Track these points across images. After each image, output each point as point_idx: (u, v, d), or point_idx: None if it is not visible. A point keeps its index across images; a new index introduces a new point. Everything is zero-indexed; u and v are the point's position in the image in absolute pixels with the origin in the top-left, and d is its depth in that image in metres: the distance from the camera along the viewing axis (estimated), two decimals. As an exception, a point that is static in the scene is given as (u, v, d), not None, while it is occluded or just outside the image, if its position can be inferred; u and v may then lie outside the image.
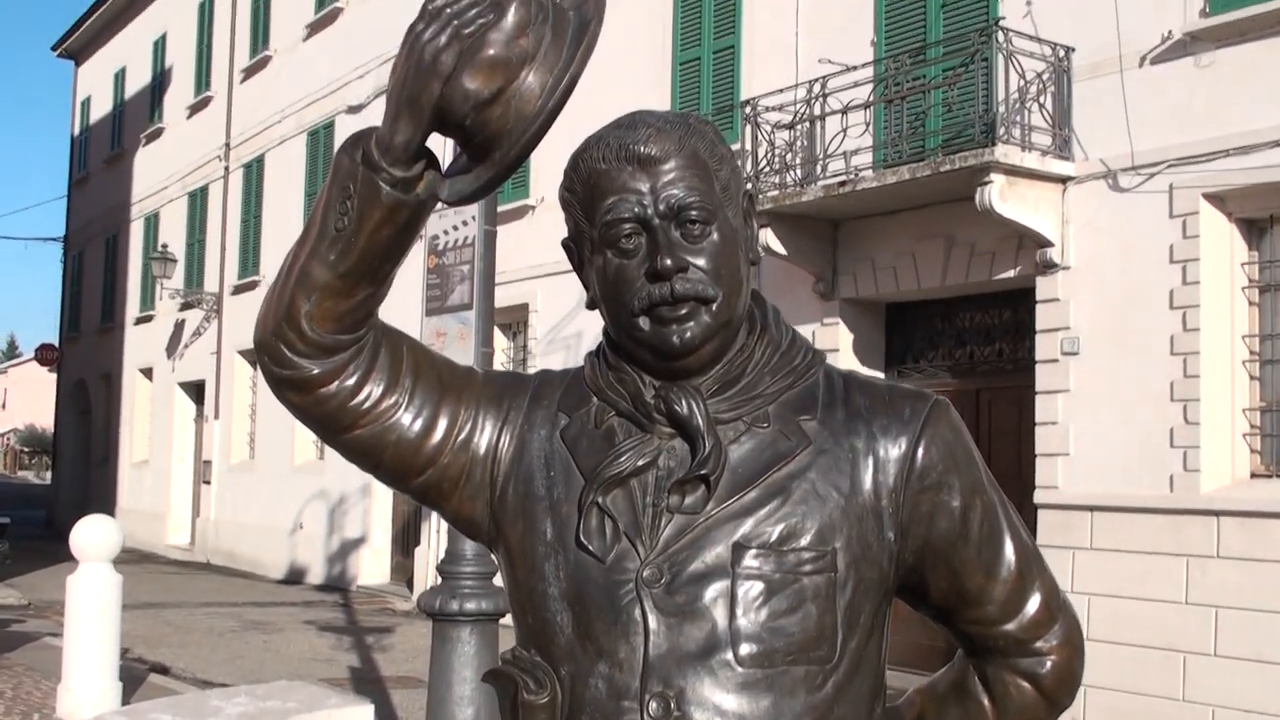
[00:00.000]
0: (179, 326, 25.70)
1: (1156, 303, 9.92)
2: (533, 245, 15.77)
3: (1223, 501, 9.45)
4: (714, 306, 1.45)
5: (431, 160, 1.46)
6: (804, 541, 1.42)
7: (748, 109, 12.23)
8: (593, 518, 1.45)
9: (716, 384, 1.48)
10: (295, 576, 20.47)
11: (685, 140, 1.46)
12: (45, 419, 53.96)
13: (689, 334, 1.44)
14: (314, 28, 21.69)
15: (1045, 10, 10.85)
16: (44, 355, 34.51)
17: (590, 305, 1.54)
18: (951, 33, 11.37)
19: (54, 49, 33.70)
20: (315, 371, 1.46)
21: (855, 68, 11.57)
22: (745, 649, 1.38)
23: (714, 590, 1.40)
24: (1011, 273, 11.03)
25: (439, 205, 1.50)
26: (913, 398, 1.52)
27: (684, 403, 1.44)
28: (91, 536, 7.46)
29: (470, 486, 1.53)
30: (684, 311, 1.43)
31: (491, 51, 1.38)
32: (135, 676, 9.67)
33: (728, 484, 1.43)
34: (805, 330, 12.68)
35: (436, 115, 1.40)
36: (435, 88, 1.37)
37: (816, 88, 11.79)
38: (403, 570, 18.53)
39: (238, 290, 23.73)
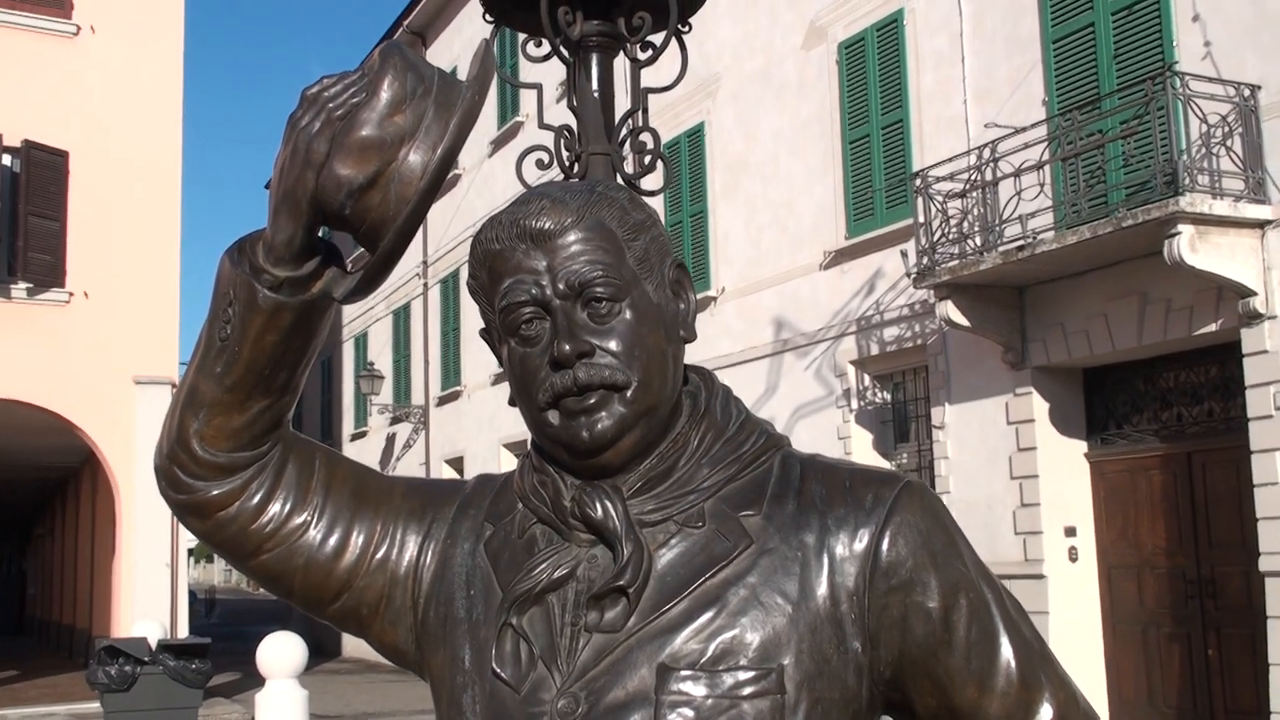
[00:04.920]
0: (390, 440, 26.49)
1: (1377, 347, 9.14)
2: (716, 336, 15.69)
3: None
4: (628, 393, 1.27)
5: (331, 256, 1.34)
6: (743, 659, 1.21)
7: (918, 181, 11.93)
8: (507, 641, 1.28)
9: (642, 480, 1.29)
10: (510, 682, 20.54)
11: (586, 210, 1.30)
12: (280, 537, 56.09)
13: (600, 426, 1.26)
14: (497, 143, 22.34)
15: (1225, 49, 10.29)
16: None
17: (512, 401, 1.39)
18: (1125, 82, 10.89)
19: (266, 187, 35.73)
20: (214, 493, 1.35)
21: (1025, 129, 11.19)
22: None
23: None
24: (1213, 326, 10.36)
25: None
26: (877, 482, 1.30)
27: (598, 505, 1.27)
28: (276, 653, 7.58)
29: (391, 611, 1.38)
30: (592, 401, 1.26)
31: (363, 132, 1.26)
32: (336, 791, 9.74)
33: (653, 596, 1.24)
34: (997, 402, 12.18)
35: (315, 208, 1.28)
36: (309, 178, 1.25)
37: (987, 153, 11.43)
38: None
39: (442, 401, 24.38)
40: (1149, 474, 11.51)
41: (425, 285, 25.30)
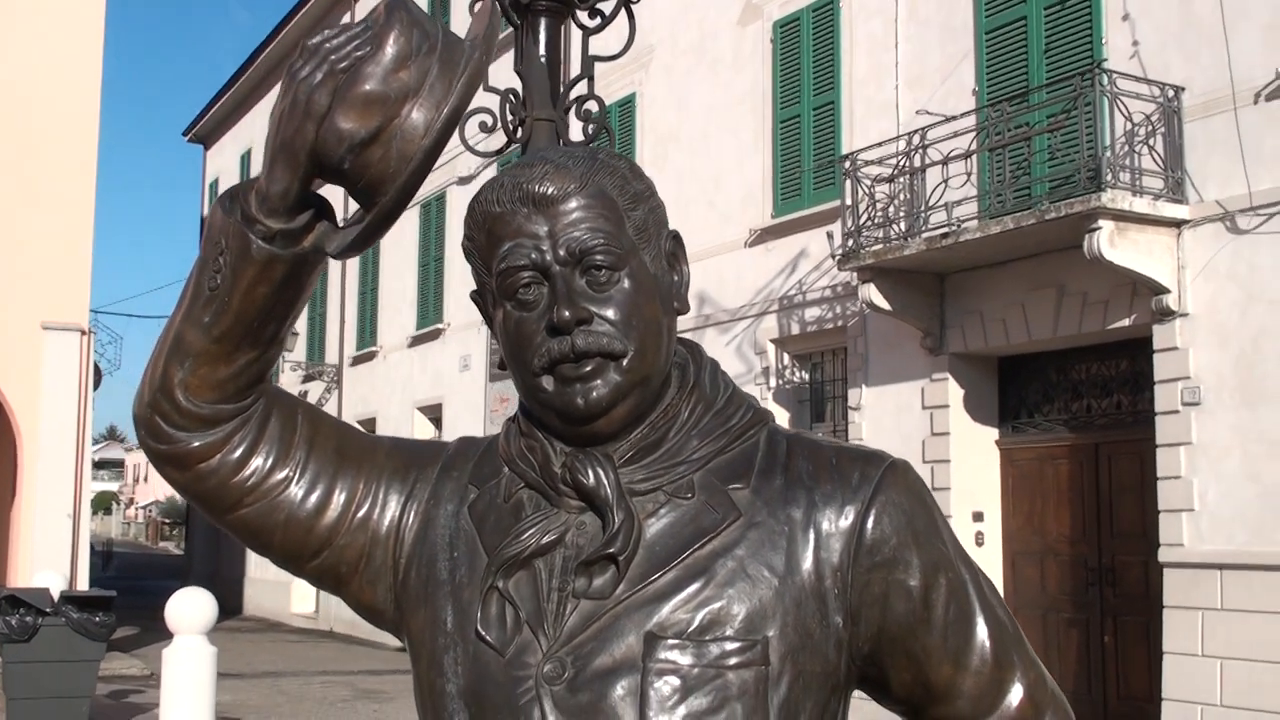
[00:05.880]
0: (302, 398, 26.16)
1: (1282, 348, 9.42)
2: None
3: (1363, 558, 8.87)
4: (624, 362, 1.27)
5: (323, 210, 1.32)
6: (729, 629, 1.23)
7: (847, 164, 12.03)
8: (492, 605, 1.28)
9: (633, 449, 1.30)
10: (414, 645, 20.49)
11: (589, 177, 1.30)
12: (183, 491, 55.32)
13: (595, 394, 1.27)
14: (425, 102, 22.08)
15: (1152, 50, 10.50)
16: (177, 429, 35.33)
17: (501, 365, 1.38)
18: (1054, 77, 11.07)
19: (184, 134, 34.96)
20: (195, 444, 1.33)
21: (955, 117, 11.33)
22: None
23: (622, 687, 1.22)
24: (1127, 321, 10.60)
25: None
26: (863, 460, 1.32)
27: (590, 472, 1.27)
28: (185, 609, 7.48)
29: (370, 570, 1.37)
30: (589, 369, 1.26)
31: (367, 87, 1.24)
32: (239, 749, 9.66)
33: (642, 564, 1.25)
34: (913, 386, 12.36)
35: (313, 160, 1.26)
36: (309, 130, 1.23)
37: (916, 139, 11.56)
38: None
39: (356, 361, 24.15)
40: (1057, 463, 11.76)
41: (344, 243, 24.97)
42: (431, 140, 1.24)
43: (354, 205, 1.37)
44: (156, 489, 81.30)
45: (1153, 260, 10.07)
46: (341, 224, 1.36)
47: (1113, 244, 9.85)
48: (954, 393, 12.13)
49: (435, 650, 1.31)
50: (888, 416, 12.68)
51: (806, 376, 14.25)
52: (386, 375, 23.02)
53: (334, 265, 25.33)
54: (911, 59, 12.79)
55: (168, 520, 72.19)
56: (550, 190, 1.28)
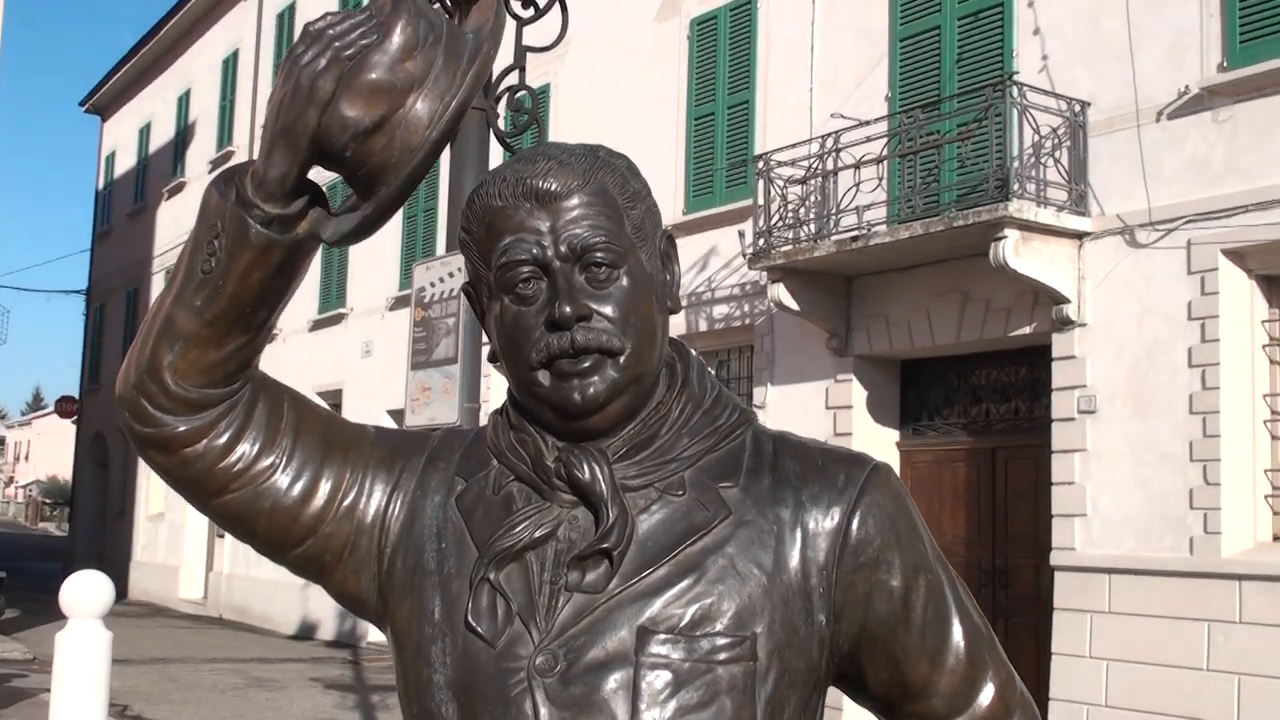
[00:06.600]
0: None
1: (1175, 360, 9.72)
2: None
3: (1244, 565, 9.19)
4: (621, 359, 1.29)
5: (317, 197, 1.32)
6: (719, 625, 1.25)
7: (760, 164, 12.13)
8: (483, 596, 1.29)
9: (626, 446, 1.32)
10: (306, 632, 20.27)
11: (591, 174, 1.31)
12: (67, 471, 54.15)
13: (592, 390, 1.28)
14: (334, 83, 21.77)
15: (1060, 64, 10.75)
16: (64, 408, 34.54)
17: (492, 358, 1.39)
18: (966, 87, 11.27)
19: (81, 105, 34.07)
20: (181, 429, 1.32)
21: (868, 122, 11.49)
22: None
23: (614, 681, 1.24)
24: (1027, 329, 10.85)
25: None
26: (848, 463, 1.35)
27: (585, 467, 1.29)
28: (81, 592, 7.28)
29: (355, 559, 1.37)
30: (587, 365, 1.28)
31: (373, 75, 1.24)
32: (130, 736, 9.46)
33: (634, 559, 1.27)
34: (818, 387, 12.52)
35: (315, 147, 1.26)
36: (312, 116, 1.23)
37: (829, 143, 11.70)
38: (414, 627, 18.28)
39: (255, 343, 23.78)
40: (954, 466, 12.00)
41: (246, 223, 24.53)
42: (438, 132, 1.25)
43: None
44: (38, 468, 79.16)
45: (1055, 270, 10.32)
46: (334, 211, 1.36)
47: (1017, 253, 10.07)
48: (858, 394, 12.31)
49: (422, 640, 1.32)
50: (792, 416, 12.81)
51: (712, 373, 14.33)
52: (287, 358, 22.64)
53: (234, 245, 24.87)
54: (826, 62, 12.93)
55: (49, 500, 70.34)
56: (553, 186, 1.29)
